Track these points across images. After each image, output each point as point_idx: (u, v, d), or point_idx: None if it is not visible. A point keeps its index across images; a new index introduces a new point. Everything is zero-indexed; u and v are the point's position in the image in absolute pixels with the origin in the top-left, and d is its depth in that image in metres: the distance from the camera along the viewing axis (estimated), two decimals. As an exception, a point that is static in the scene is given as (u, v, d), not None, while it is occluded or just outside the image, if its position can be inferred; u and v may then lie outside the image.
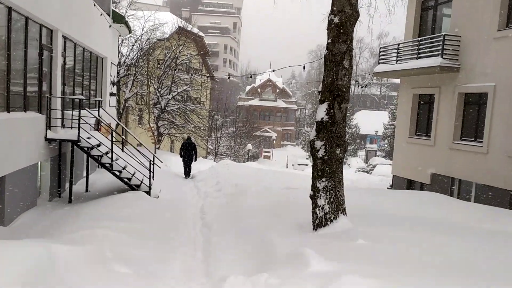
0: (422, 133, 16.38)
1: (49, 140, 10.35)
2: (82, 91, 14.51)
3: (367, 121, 57.43)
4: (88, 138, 10.83)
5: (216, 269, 5.87)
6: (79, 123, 10.44)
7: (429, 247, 5.52)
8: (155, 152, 26.87)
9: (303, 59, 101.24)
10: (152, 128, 27.54)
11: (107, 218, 7.83)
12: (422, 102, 16.66)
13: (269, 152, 52.69)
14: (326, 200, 6.83)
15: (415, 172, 16.30)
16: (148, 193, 11.04)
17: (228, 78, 21.07)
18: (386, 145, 52.66)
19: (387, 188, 18.73)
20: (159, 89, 29.30)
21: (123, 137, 13.02)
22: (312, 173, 7.12)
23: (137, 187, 11.07)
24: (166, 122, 29.90)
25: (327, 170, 6.88)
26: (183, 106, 30.09)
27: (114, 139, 13.81)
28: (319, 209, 6.86)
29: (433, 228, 6.76)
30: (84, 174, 12.84)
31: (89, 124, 10.87)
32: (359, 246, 5.21)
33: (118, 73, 27.23)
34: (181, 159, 17.02)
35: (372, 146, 55.50)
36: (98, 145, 11.10)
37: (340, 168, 7.00)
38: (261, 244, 6.51)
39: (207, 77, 37.19)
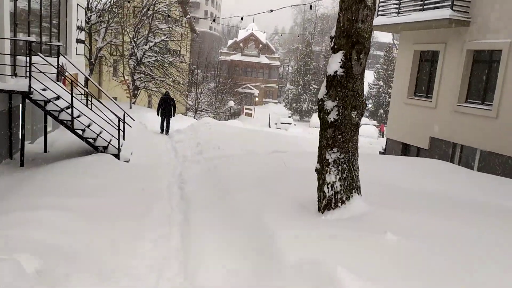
0: (422, 94, 15.06)
1: (-7, 91, 8.52)
2: (41, 36, 12.39)
3: (352, 80, 55.96)
4: (44, 90, 9.02)
5: (194, 268, 4.48)
6: (29, 72, 8.58)
7: (493, 242, 4.20)
8: (130, 107, 24.96)
9: (288, 13, 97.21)
10: (127, 81, 25.36)
11: (57, 191, 6.31)
12: (424, 60, 15.20)
13: (251, 109, 51.00)
14: (338, 176, 5.45)
15: (412, 136, 15.15)
16: (117, 156, 9.46)
17: (213, 20, 19.05)
18: (370, 105, 51.70)
19: (380, 153, 17.64)
20: (135, 39, 26.81)
21: (88, 90, 11.12)
22: (320, 141, 5.68)
23: (104, 149, 9.45)
24: (143, 75, 27.68)
25: (339, 138, 5.45)
26: (161, 58, 27.80)
27: (78, 92, 11.97)
28: (327, 187, 5.49)
29: (469, 210, 5.54)
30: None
31: (43, 73, 8.99)
32: (394, 246, 3.89)
33: (89, 19, 24.57)
34: (159, 115, 16.01)
35: (356, 106, 54.48)
36: (57, 99, 9.33)
37: (355, 136, 5.57)
38: (256, 233, 5.15)
39: (187, 27, 34.51)
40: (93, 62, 25.44)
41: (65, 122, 8.99)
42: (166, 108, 15.88)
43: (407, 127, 15.35)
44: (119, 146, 9.52)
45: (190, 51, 42.35)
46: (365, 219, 5.00)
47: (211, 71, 47.88)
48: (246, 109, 51.77)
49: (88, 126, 9.34)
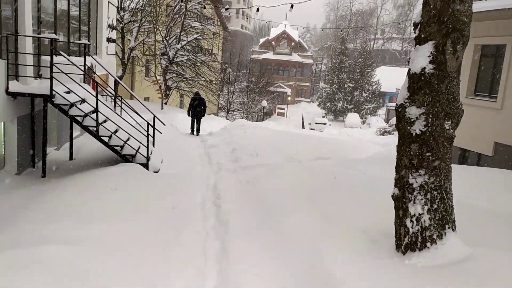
0: (484, 93, 13.32)
1: (12, 95, 7.71)
2: (68, 35, 11.65)
3: (386, 78, 53.35)
4: (68, 93, 8.16)
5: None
6: (51, 73, 7.72)
7: None
8: (162, 108, 24.25)
9: (320, 10, 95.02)
10: (159, 81, 24.69)
11: (75, 214, 5.33)
12: (486, 55, 13.46)
13: (283, 109, 49.62)
14: (426, 207, 4.15)
15: (472, 141, 13.44)
16: (146, 165, 8.48)
17: (257, 10, 17.88)
18: (409, 104, 49.15)
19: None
20: (167, 38, 26.12)
21: (117, 92, 10.21)
22: (399, 159, 4.41)
23: (131, 158, 8.50)
24: (175, 75, 26.96)
25: (428, 157, 4.15)
26: (193, 57, 26.98)
27: (106, 95, 11.15)
28: (411, 221, 4.20)
29: None
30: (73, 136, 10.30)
31: (66, 74, 8.11)
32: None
33: (122, 18, 24.08)
34: (189, 115, 15.61)
35: (393, 104, 51.85)
36: (82, 102, 8.46)
37: (449, 153, 4.25)
38: (316, 282, 3.94)
39: (219, 25, 33.63)
40: (126, 62, 24.96)
41: (90, 128, 8.09)
42: (197, 109, 15.36)
43: (466, 131, 13.61)
44: (148, 155, 8.54)
45: (222, 49, 41.54)
46: (469, 269, 3.68)
47: (243, 70, 46.87)
48: (278, 108, 50.44)
49: (115, 133, 8.40)
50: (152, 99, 29.83)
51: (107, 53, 15.23)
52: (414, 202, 4.20)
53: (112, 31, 16.01)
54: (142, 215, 5.85)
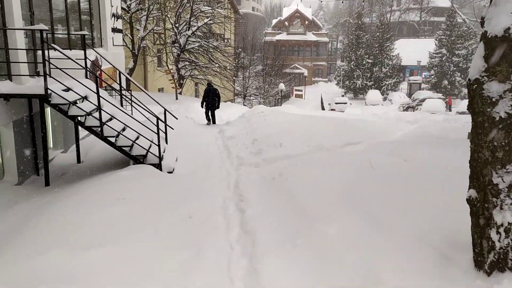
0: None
1: (4, 96, 6.91)
2: (68, 26, 10.79)
3: (406, 51, 50.97)
4: (66, 91, 7.32)
5: None
6: (44, 69, 6.87)
7: None
8: (176, 98, 23.41)
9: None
10: (172, 71, 23.78)
11: (72, 236, 4.49)
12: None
13: (301, 90, 48.14)
14: (520, 215, 3.12)
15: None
16: (158, 166, 7.61)
17: None
18: (432, 77, 46.97)
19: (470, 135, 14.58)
20: (177, 25, 25.09)
21: (123, 87, 9.30)
22: (475, 151, 3.36)
23: (142, 158, 7.65)
24: (187, 63, 26.00)
25: (520, 148, 3.09)
26: (205, 43, 25.91)
27: (110, 90, 10.31)
28: (498, 232, 3.18)
29: None
30: (80, 137, 9.53)
31: (61, 70, 7.25)
32: None
33: (129, 7, 23.19)
34: (203, 107, 15.11)
35: (415, 78, 49.68)
36: (84, 100, 7.61)
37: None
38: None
39: (229, 9, 32.34)
40: (136, 53, 24.15)
41: (93, 128, 7.24)
42: (211, 100, 14.78)
43: None
44: (160, 154, 7.66)
45: (235, 33, 40.27)
46: None
47: (257, 53, 45.49)
48: (296, 90, 49.01)
49: (122, 132, 7.55)
50: (166, 90, 29.03)
51: (113, 45, 14.34)
52: (502, 208, 3.16)
53: (117, 20, 15.09)
54: (153, 230, 4.97)
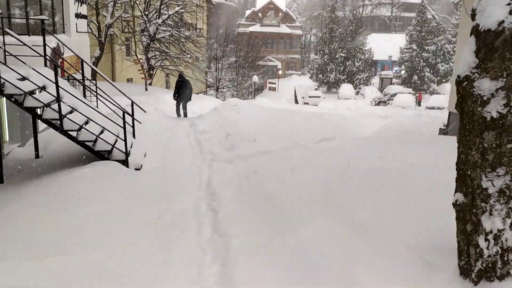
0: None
1: None
2: (26, 11, 10.03)
3: (377, 46, 51.57)
4: (22, 79, 6.72)
5: None
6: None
7: None
8: (146, 90, 22.63)
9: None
10: (141, 60, 22.96)
11: (21, 246, 4.03)
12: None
13: (274, 83, 47.96)
14: (509, 221, 2.94)
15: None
16: (125, 162, 7.15)
17: None
18: (403, 72, 47.80)
19: (441, 132, 14.75)
20: (146, 12, 24.18)
21: (83, 77, 8.69)
22: (462, 152, 3.15)
23: (107, 154, 7.16)
24: (158, 53, 25.16)
25: (510, 150, 2.91)
26: (176, 32, 25.12)
27: (72, 79, 9.68)
28: (486, 239, 2.99)
29: None
30: (40, 130, 8.86)
31: (15, 57, 6.64)
32: None
33: (95, -8, 22.14)
34: (175, 99, 14.49)
35: (387, 73, 50.46)
36: (42, 90, 7.02)
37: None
38: None
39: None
40: (103, 41, 23.13)
41: (52, 121, 6.69)
42: (183, 92, 14.20)
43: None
44: (126, 150, 7.18)
45: (207, 23, 39.45)
46: None
47: (231, 44, 44.83)
48: (269, 83, 48.77)
49: (85, 125, 7.03)
50: (136, 80, 28.06)
51: (77, 31, 13.57)
52: (491, 214, 2.98)
53: (81, 5, 14.29)
54: (118, 235, 4.58)
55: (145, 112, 9.02)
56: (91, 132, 6.90)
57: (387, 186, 5.34)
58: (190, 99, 14.66)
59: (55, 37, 9.09)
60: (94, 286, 3.59)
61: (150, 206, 5.52)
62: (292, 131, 10.29)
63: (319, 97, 37.08)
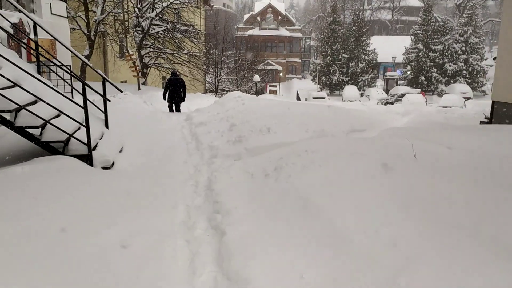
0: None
1: None
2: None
3: (379, 48, 49.53)
4: None
5: None
6: None
7: None
8: (139, 89, 20.45)
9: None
10: (133, 57, 20.82)
11: None
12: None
13: (275, 86, 45.87)
14: None
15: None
16: (88, 158, 4.94)
17: None
18: (409, 72, 45.80)
19: (482, 123, 12.57)
20: (138, 6, 22.13)
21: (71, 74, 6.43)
22: None
23: (63, 147, 4.95)
24: (151, 49, 23.04)
25: None
26: (171, 27, 23.02)
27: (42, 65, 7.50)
28: None
29: None
30: None
31: None
32: None
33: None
34: (165, 99, 12.69)
35: (392, 74, 48.42)
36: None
37: None
38: None
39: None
40: (92, 38, 21.03)
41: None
42: (174, 92, 12.39)
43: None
44: (89, 141, 4.96)
45: (205, 23, 37.46)
46: None
47: (229, 50, 42.74)
48: (270, 86, 46.69)
49: (30, 105, 4.83)
50: (130, 81, 25.92)
51: (51, 13, 11.44)
52: None
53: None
54: (47, 278, 2.36)
55: (121, 91, 6.85)
56: (36, 116, 4.68)
57: (483, 185, 3.16)
58: (183, 100, 12.72)
59: (21, 11, 6.89)
60: None
61: (112, 226, 3.30)
62: (313, 121, 8.09)
63: (323, 98, 34.93)
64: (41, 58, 8.11)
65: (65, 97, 5.17)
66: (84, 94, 4.81)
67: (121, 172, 5.03)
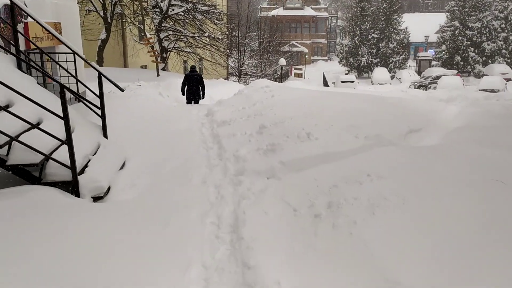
0: None
1: None
2: None
3: (410, 27, 46.31)
4: None
5: None
6: None
7: None
8: (158, 75, 19.20)
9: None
10: (150, 40, 19.51)
11: None
12: None
13: (300, 69, 43.84)
14: None
15: None
16: (73, 186, 3.66)
17: None
18: (443, 52, 42.82)
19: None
20: (157, -16, 20.70)
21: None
22: None
23: (37, 172, 3.70)
24: (171, 32, 21.64)
25: None
26: (192, 7, 21.49)
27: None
28: None
29: None
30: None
31: None
32: None
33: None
34: (184, 95, 11.85)
35: (425, 54, 45.44)
36: None
37: None
38: None
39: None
40: (109, 21, 19.85)
41: None
42: (192, 88, 11.63)
43: None
44: (73, 163, 3.64)
45: (227, 5, 35.75)
46: None
47: (252, 32, 40.86)
48: (295, 69, 44.70)
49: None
50: (150, 67, 24.66)
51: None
52: None
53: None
54: None
55: (122, 91, 5.54)
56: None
57: None
58: (202, 97, 11.83)
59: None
60: None
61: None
62: (357, 120, 6.57)
63: (353, 81, 32.87)
64: (42, 45, 6.91)
65: (43, 107, 3.86)
66: (63, 97, 3.47)
67: (117, 205, 3.72)
